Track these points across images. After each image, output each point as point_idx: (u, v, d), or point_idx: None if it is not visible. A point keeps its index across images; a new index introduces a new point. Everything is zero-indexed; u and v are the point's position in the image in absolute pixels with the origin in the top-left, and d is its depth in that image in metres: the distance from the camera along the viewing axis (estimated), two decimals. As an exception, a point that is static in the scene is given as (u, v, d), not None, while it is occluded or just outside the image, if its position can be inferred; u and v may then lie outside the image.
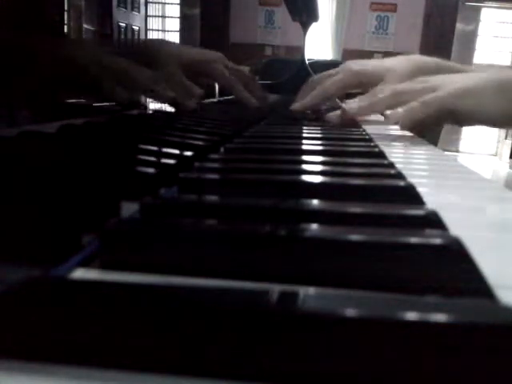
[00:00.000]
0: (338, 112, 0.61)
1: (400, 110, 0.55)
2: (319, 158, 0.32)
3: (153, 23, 5.16)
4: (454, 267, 0.15)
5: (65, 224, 0.18)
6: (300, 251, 0.15)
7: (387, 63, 0.70)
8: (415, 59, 0.70)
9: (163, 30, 5.22)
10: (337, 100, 0.87)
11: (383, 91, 0.58)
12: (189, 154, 0.32)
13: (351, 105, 0.59)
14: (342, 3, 4.89)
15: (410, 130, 0.57)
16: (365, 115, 0.60)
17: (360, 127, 0.57)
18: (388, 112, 0.58)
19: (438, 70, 0.60)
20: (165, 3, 5.18)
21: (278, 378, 0.11)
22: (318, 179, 0.25)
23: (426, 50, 4.72)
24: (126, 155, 0.31)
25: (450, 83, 0.54)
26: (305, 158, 0.33)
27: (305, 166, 0.30)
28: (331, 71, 0.73)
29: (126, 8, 4.52)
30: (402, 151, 0.46)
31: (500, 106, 0.53)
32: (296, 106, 0.71)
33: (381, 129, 0.66)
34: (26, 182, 0.23)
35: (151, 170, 0.25)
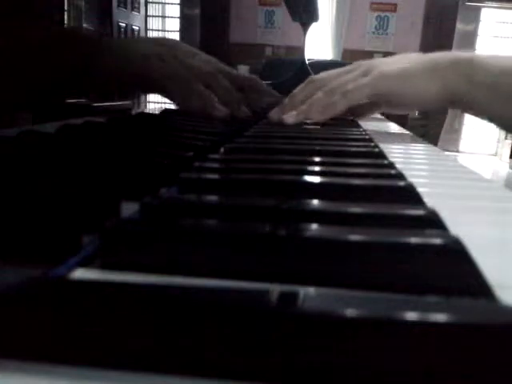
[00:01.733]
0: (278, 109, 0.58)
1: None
2: (319, 158, 0.32)
3: (153, 23, 5.15)
4: (453, 267, 0.15)
5: (65, 224, 0.18)
6: (300, 251, 0.15)
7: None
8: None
9: (163, 30, 5.21)
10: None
11: (316, 93, 0.56)
12: (189, 153, 0.32)
13: (289, 114, 0.56)
14: (342, 3, 4.88)
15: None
16: (303, 120, 0.58)
17: (360, 127, 0.57)
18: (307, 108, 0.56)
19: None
20: (165, 3, 5.17)
21: (278, 378, 0.11)
22: (317, 179, 0.25)
23: (426, 50, 4.72)
24: (125, 155, 0.31)
25: (379, 67, 0.54)
26: (304, 158, 0.33)
27: (305, 166, 0.30)
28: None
29: (125, 8, 4.52)
30: (402, 151, 0.46)
31: (432, 89, 0.52)
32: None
33: (381, 128, 0.66)
34: (26, 182, 0.23)
35: (151, 170, 0.25)
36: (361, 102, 0.59)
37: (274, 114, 0.57)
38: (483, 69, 0.50)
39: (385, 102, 0.59)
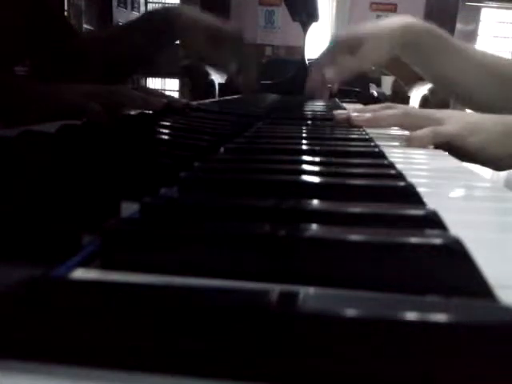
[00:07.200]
0: (345, 112, 0.62)
1: (418, 132, 0.55)
2: (319, 158, 0.32)
3: (153, 23, 5.15)
4: (454, 267, 0.15)
5: (65, 224, 0.18)
6: (300, 251, 0.15)
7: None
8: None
9: (163, 30, 5.21)
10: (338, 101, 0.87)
11: (393, 108, 0.58)
12: (189, 153, 0.32)
13: (359, 115, 0.59)
14: (342, 3, 4.88)
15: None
16: (369, 127, 0.60)
17: (360, 127, 0.57)
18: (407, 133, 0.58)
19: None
20: (165, 3, 5.17)
21: (277, 378, 0.11)
22: (318, 179, 0.25)
23: (425, 50, 4.72)
24: (125, 155, 0.31)
25: (457, 119, 0.56)
26: (305, 158, 0.33)
27: (305, 166, 0.30)
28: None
29: (125, 8, 4.52)
30: (402, 151, 0.46)
31: (504, 148, 0.54)
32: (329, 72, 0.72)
33: (381, 128, 0.66)
34: (27, 182, 0.23)
35: (151, 170, 0.25)
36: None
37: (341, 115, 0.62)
38: None
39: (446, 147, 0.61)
